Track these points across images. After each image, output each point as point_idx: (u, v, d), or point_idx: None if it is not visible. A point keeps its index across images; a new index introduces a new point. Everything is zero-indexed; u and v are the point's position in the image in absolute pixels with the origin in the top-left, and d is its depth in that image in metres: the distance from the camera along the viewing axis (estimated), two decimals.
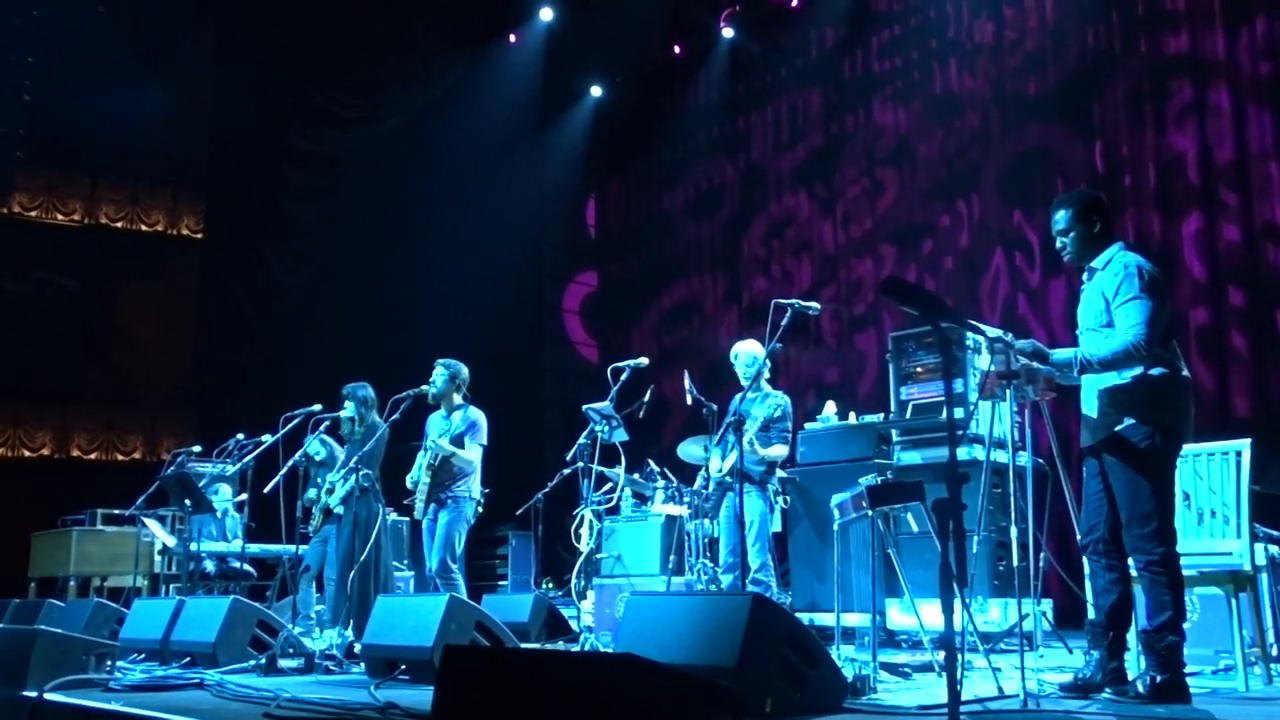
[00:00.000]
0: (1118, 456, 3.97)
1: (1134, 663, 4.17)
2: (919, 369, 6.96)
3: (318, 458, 7.51)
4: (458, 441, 6.50)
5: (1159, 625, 3.85)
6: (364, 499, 6.55)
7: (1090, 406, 4.09)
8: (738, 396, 6.42)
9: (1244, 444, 4.57)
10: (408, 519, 9.11)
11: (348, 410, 6.92)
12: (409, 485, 6.55)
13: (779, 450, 6.55)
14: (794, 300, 5.35)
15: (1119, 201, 9.24)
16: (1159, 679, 3.80)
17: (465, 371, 6.76)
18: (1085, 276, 4.19)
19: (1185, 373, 4.05)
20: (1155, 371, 3.94)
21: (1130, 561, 3.99)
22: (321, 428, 6.93)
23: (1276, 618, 4.89)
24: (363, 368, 8.15)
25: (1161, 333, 3.94)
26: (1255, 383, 8.30)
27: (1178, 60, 9.05)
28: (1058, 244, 4.21)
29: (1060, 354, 4.06)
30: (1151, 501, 3.89)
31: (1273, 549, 5.03)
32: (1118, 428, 3.97)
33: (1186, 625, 4.38)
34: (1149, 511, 3.89)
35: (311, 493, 7.31)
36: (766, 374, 6.48)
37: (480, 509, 6.73)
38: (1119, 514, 3.98)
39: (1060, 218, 4.16)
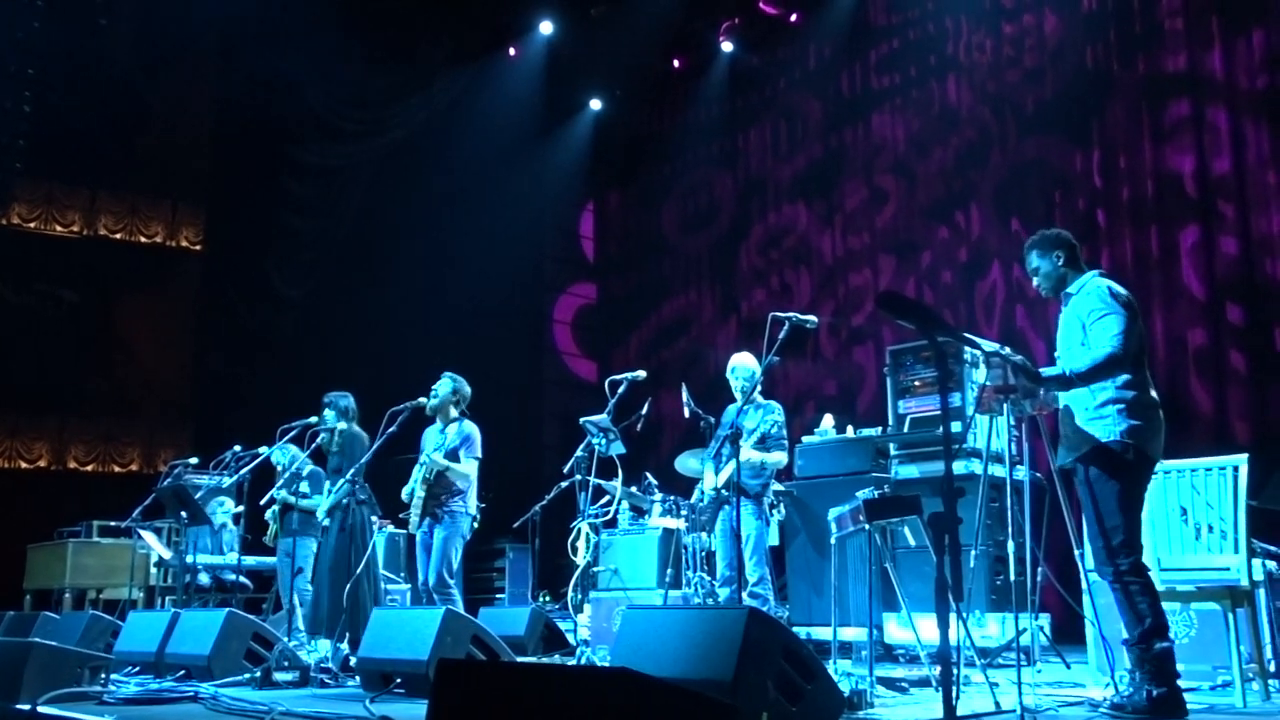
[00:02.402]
0: (1088, 475, 4.06)
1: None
2: (917, 383, 6.96)
3: (280, 468, 7.52)
4: (452, 456, 6.48)
5: (1142, 634, 3.88)
6: (358, 509, 6.54)
7: (1065, 425, 4.17)
8: (732, 409, 6.43)
9: (1241, 459, 4.57)
10: (405, 532, 9.09)
11: (329, 419, 6.93)
12: (404, 499, 6.54)
13: (778, 457, 6.53)
14: (792, 314, 5.36)
15: (1117, 215, 9.28)
16: (1155, 693, 3.81)
17: (468, 389, 6.76)
18: (1063, 303, 4.33)
19: (1154, 394, 4.13)
20: (1127, 394, 4.03)
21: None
22: (299, 436, 6.95)
23: (1274, 633, 4.89)
24: (362, 380, 8.14)
25: (1135, 352, 4.04)
26: (1253, 400, 8.31)
27: (1175, 76, 9.09)
28: (1034, 282, 4.41)
29: (1049, 371, 4.15)
30: (1118, 515, 3.97)
31: (1270, 564, 5.02)
32: (1093, 445, 4.04)
33: (1184, 641, 4.38)
34: (1116, 525, 3.97)
35: (270, 511, 7.37)
36: (760, 386, 6.48)
37: (476, 524, 6.71)
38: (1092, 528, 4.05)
39: (1030, 259, 4.37)
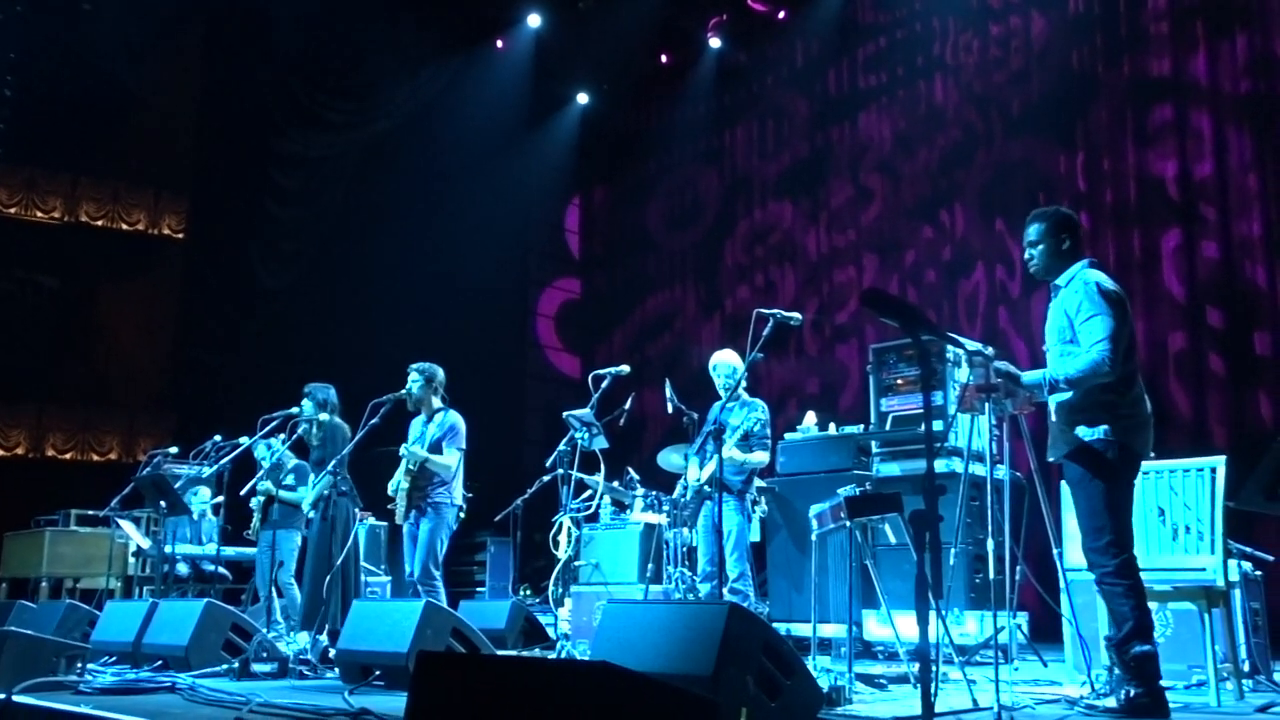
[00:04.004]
0: (1075, 471, 4.05)
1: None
2: (899, 381, 6.98)
3: (264, 463, 7.49)
4: (435, 447, 6.45)
5: (1123, 636, 3.88)
6: (340, 501, 6.52)
7: (1052, 422, 4.17)
8: (716, 405, 6.43)
9: (1219, 460, 4.60)
10: (385, 524, 9.06)
11: (306, 410, 6.90)
12: (390, 491, 6.51)
13: (761, 457, 6.56)
14: (776, 310, 5.35)
15: (1100, 218, 9.34)
16: (1133, 694, 3.83)
17: (441, 374, 6.71)
18: (1051, 294, 4.28)
19: (1140, 389, 4.12)
20: (1112, 391, 4.00)
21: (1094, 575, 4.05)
22: (280, 427, 6.94)
23: (1249, 634, 4.93)
24: (344, 371, 8.11)
25: (1122, 352, 3.99)
26: (1231, 403, 8.37)
27: (1160, 80, 9.15)
28: (1025, 255, 4.31)
29: (1031, 376, 4.11)
30: (1105, 515, 3.94)
31: (1246, 565, 5.07)
32: (1076, 444, 4.03)
33: (1161, 640, 4.40)
34: (1102, 525, 3.95)
35: (254, 502, 7.35)
36: (744, 383, 6.49)
37: (463, 514, 6.69)
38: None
39: (1032, 230, 4.25)
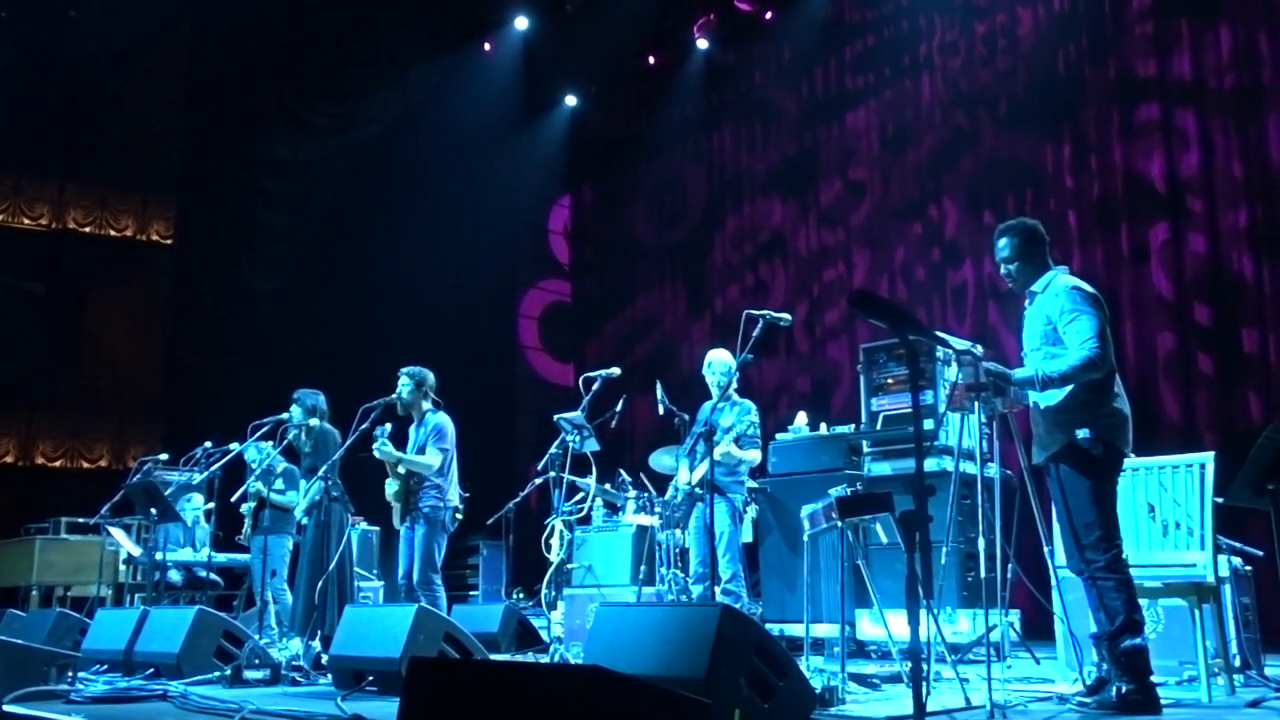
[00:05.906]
0: (1062, 471, 4.09)
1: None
2: (889, 380, 6.98)
3: (253, 465, 7.47)
4: (423, 451, 6.43)
5: (1115, 631, 3.91)
6: (332, 506, 6.50)
7: (1037, 425, 4.20)
8: (706, 406, 6.43)
9: (1208, 456, 4.63)
10: (378, 529, 9.05)
11: (295, 416, 6.87)
12: (388, 498, 6.48)
13: (753, 455, 6.56)
14: (765, 311, 5.36)
15: (1088, 214, 9.38)
16: (1125, 690, 3.85)
17: (431, 378, 6.67)
18: (1027, 301, 4.33)
19: (1120, 389, 4.16)
20: (1094, 390, 4.06)
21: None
22: (270, 433, 6.92)
23: (1239, 629, 4.95)
24: (335, 375, 8.08)
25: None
26: (1220, 402, 8.40)
27: (1145, 78, 9.19)
28: (1002, 270, 4.37)
29: (1021, 373, 4.15)
30: (1093, 511, 4.00)
31: (1236, 561, 5.09)
32: (1062, 444, 4.07)
33: (1152, 636, 4.42)
34: (1091, 521, 4.00)
35: (245, 507, 7.31)
36: (735, 384, 6.49)
37: (459, 515, 6.65)
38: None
39: (1004, 245, 4.31)
